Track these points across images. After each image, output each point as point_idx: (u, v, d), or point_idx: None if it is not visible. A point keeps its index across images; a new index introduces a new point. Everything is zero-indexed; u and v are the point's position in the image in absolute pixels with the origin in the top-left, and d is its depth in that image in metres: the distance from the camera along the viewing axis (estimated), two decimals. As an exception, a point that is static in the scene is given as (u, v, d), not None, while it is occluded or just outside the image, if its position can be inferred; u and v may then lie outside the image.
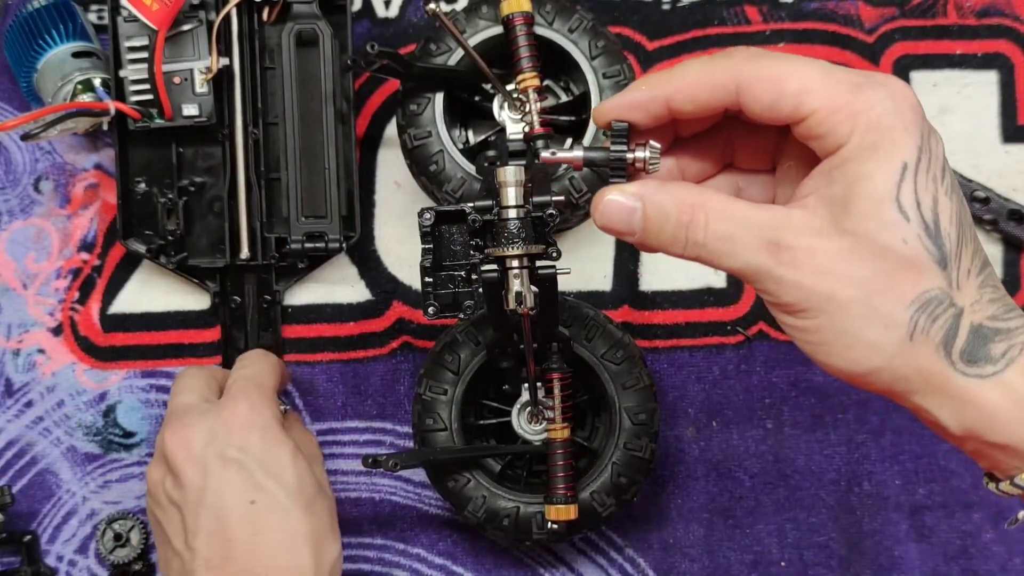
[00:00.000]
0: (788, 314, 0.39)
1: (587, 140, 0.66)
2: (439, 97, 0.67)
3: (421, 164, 0.67)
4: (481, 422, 0.68)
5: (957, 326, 0.38)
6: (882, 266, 0.37)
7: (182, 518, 0.56)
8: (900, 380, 0.39)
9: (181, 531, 0.56)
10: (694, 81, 0.39)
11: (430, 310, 0.54)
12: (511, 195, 0.50)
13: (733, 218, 0.38)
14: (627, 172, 0.41)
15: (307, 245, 0.69)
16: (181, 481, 0.57)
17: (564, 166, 0.65)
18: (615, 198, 0.40)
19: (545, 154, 0.42)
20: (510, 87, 0.67)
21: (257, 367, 0.64)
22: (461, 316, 0.54)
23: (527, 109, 0.66)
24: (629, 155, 0.40)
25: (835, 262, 0.37)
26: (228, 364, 0.72)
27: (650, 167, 0.40)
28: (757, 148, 0.43)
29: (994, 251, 0.72)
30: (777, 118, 0.38)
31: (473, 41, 0.66)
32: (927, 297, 0.37)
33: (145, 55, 0.67)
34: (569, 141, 0.70)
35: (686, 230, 0.39)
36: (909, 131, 0.37)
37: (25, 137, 0.65)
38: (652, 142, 0.40)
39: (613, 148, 0.41)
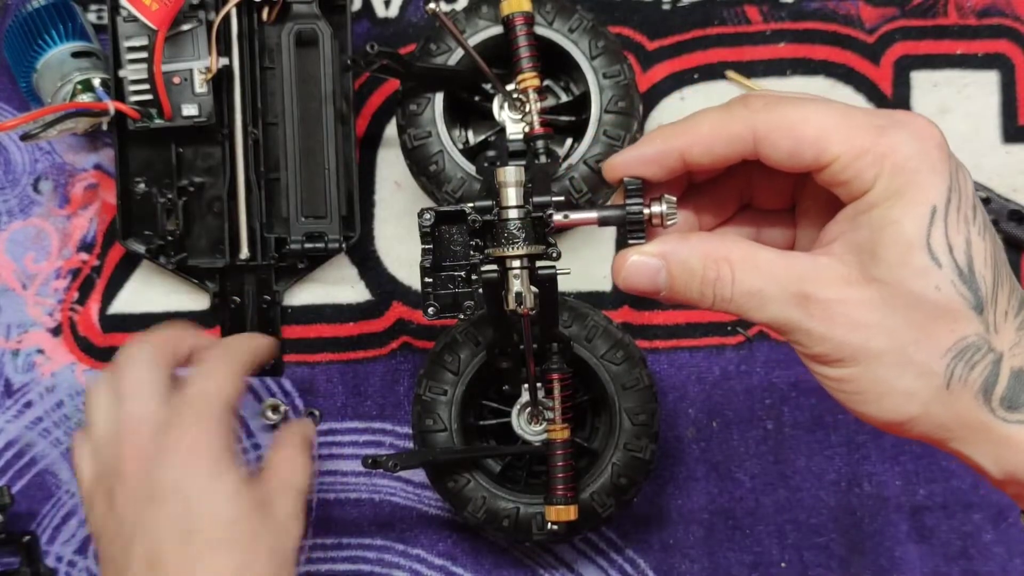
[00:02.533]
0: (820, 364, 0.38)
1: (587, 141, 0.66)
2: (439, 97, 0.67)
3: (421, 164, 0.67)
4: (481, 423, 0.68)
5: (997, 372, 0.37)
6: (915, 315, 0.36)
7: (120, 545, 0.51)
8: (938, 428, 0.38)
9: (115, 558, 0.52)
10: (709, 133, 0.38)
11: (430, 311, 0.53)
12: (511, 195, 0.50)
13: (759, 271, 0.37)
14: (645, 229, 0.40)
15: (307, 245, 0.69)
16: (115, 505, 0.52)
17: (564, 166, 0.65)
18: (638, 260, 0.39)
19: (558, 217, 0.42)
20: (510, 87, 0.67)
21: (221, 379, 0.55)
22: (461, 316, 0.54)
23: (527, 109, 0.66)
24: (646, 211, 0.39)
25: (866, 312, 0.36)
26: (228, 364, 0.72)
27: (668, 222, 0.40)
28: (776, 188, 0.42)
29: (995, 251, 0.72)
30: (798, 166, 0.37)
31: (473, 41, 0.66)
32: (964, 344, 0.36)
33: (145, 55, 0.67)
34: (587, 141, 0.69)
35: (713, 286, 0.38)
36: (937, 172, 0.36)
37: (24, 137, 0.64)
38: (667, 196, 0.40)
39: (629, 206, 0.40)
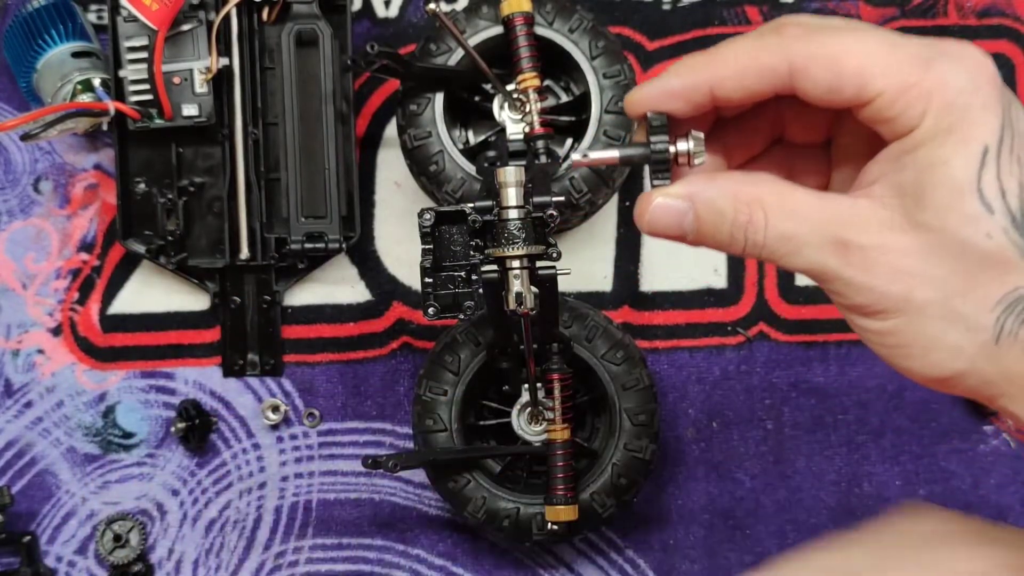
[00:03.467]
0: (860, 315, 0.35)
1: (587, 141, 0.66)
2: (439, 97, 0.67)
3: (421, 164, 0.67)
4: (481, 423, 0.68)
5: None
6: (963, 264, 0.33)
7: None
8: (985, 385, 0.35)
9: None
10: (740, 65, 0.35)
11: (430, 311, 0.53)
12: (511, 195, 0.50)
13: (795, 215, 0.34)
14: (670, 168, 0.37)
15: (307, 245, 0.69)
16: None
17: (564, 166, 0.65)
18: (664, 201, 0.36)
19: (576, 156, 0.38)
20: (510, 87, 0.67)
21: None
22: (461, 317, 0.54)
23: (527, 109, 0.66)
24: (671, 149, 0.36)
25: (910, 261, 0.33)
26: (227, 365, 0.72)
27: (695, 161, 0.36)
28: (810, 122, 0.39)
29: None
30: (839, 101, 0.34)
31: (473, 41, 0.66)
32: (1015, 296, 0.33)
33: (145, 55, 0.67)
34: (587, 141, 0.69)
35: (744, 231, 0.35)
36: (989, 108, 0.33)
37: (25, 137, 0.64)
38: (695, 132, 0.36)
39: (653, 144, 0.36)
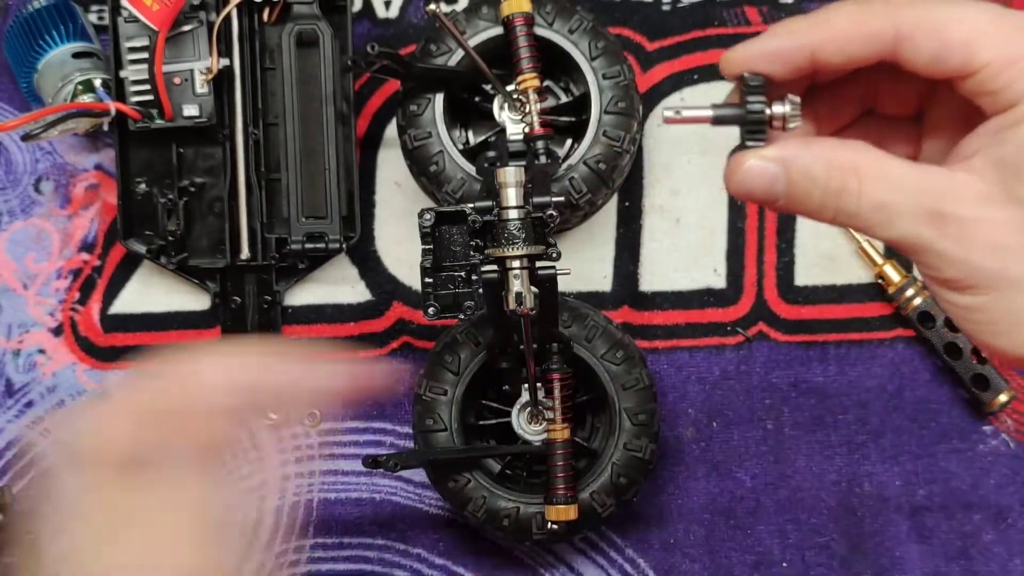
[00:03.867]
0: (951, 290, 0.35)
1: (587, 141, 0.66)
2: (439, 98, 0.67)
3: (421, 165, 0.67)
4: (481, 422, 0.68)
5: None
6: None
7: None
8: None
9: None
10: (845, 29, 0.34)
11: (430, 311, 0.54)
12: (511, 196, 0.50)
13: (889, 183, 0.34)
14: (765, 131, 0.36)
15: (307, 246, 0.69)
16: None
17: (564, 166, 0.65)
18: (756, 164, 0.35)
19: (669, 113, 0.36)
20: (510, 88, 0.67)
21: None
22: (461, 317, 0.54)
23: (527, 110, 0.66)
24: (767, 111, 0.35)
25: (1007, 235, 0.33)
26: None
27: (789, 125, 0.36)
28: (904, 94, 0.38)
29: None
30: (943, 71, 0.34)
31: (473, 42, 0.66)
32: None
33: (145, 55, 0.67)
34: (587, 141, 0.70)
35: (837, 198, 0.34)
36: None
37: (25, 137, 0.65)
38: (791, 96, 0.36)
39: (750, 104, 0.35)
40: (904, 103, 0.39)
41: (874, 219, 0.34)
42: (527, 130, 0.66)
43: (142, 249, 0.70)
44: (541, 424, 0.65)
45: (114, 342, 0.73)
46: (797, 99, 0.36)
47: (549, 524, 0.62)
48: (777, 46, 0.35)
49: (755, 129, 0.36)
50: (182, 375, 0.39)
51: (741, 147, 0.36)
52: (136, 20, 0.66)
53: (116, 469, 0.37)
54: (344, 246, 0.69)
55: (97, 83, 0.67)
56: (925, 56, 0.33)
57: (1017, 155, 0.33)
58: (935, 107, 0.38)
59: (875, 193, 0.34)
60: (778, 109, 0.35)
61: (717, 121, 0.36)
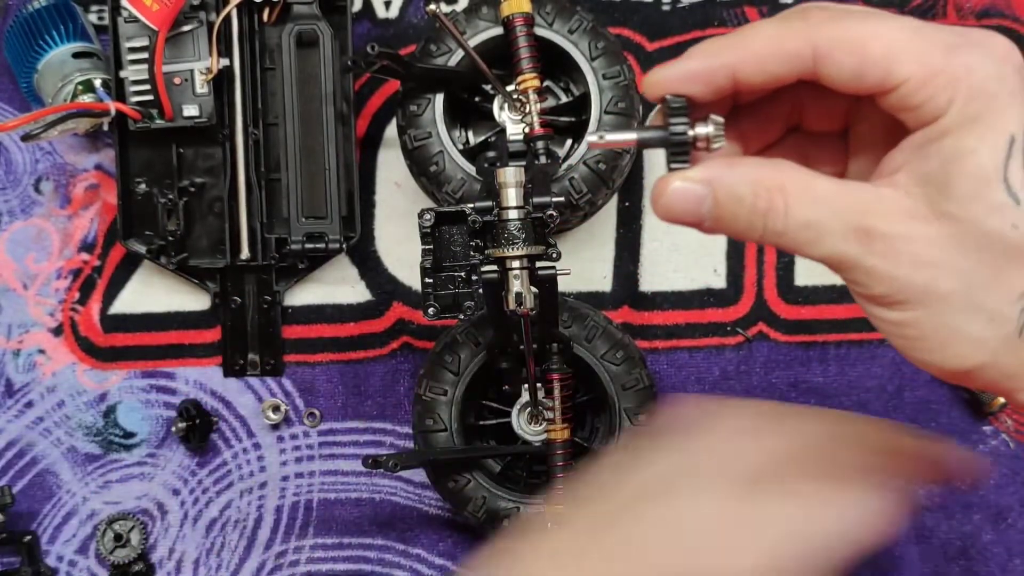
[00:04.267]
0: (880, 306, 0.35)
1: (587, 142, 0.66)
2: (439, 98, 0.67)
3: (421, 165, 0.67)
4: (481, 423, 0.68)
5: None
6: (987, 255, 0.33)
7: None
8: (1006, 378, 0.35)
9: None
10: (764, 48, 0.34)
11: (430, 311, 0.54)
12: (511, 196, 0.50)
13: (816, 202, 0.34)
14: (689, 152, 0.36)
15: (307, 246, 0.69)
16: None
17: (564, 167, 0.65)
18: (682, 186, 0.34)
19: (592, 138, 0.37)
20: (510, 88, 0.67)
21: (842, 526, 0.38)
22: (461, 317, 0.54)
23: (527, 110, 0.66)
24: (690, 132, 0.35)
25: (933, 250, 0.33)
26: (227, 365, 0.72)
27: (714, 145, 0.35)
28: (828, 110, 0.38)
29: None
30: (863, 88, 0.33)
31: (473, 42, 0.66)
32: None
33: (145, 56, 0.67)
34: (594, 130, 0.70)
35: (764, 217, 0.34)
36: (1016, 97, 0.32)
37: (25, 138, 0.65)
38: (714, 116, 0.35)
39: (672, 126, 0.35)
40: (829, 119, 0.39)
41: (801, 237, 0.34)
42: (527, 130, 0.66)
43: (142, 249, 0.70)
44: (541, 424, 0.65)
45: (114, 342, 0.73)
46: (720, 119, 0.35)
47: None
48: (697, 67, 0.35)
49: (679, 151, 0.35)
50: None
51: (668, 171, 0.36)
52: (136, 20, 0.66)
53: None
54: (344, 246, 0.69)
55: (97, 83, 0.67)
56: (845, 73, 0.33)
57: (941, 170, 0.33)
58: (860, 122, 0.38)
59: (801, 211, 0.34)
60: (701, 130, 0.35)
61: (641, 144, 0.36)
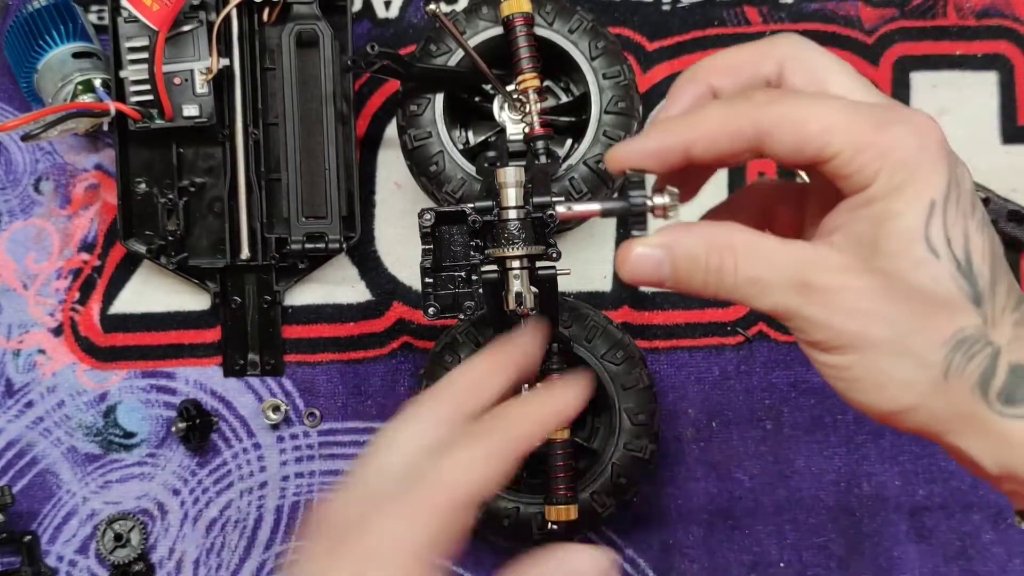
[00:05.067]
0: (820, 351, 0.38)
1: (587, 141, 0.66)
2: (439, 98, 0.67)
3: (421, 165, 0.67)
4: (481, 422, 0.68)
5: (995, 366, 0.37)
6: (914, 305, 0.36)
7: None
8: (935, 420, 0.38)
9: None
10: (712, 129, 0.38)
11: (430, 311, 0.54)
12: (511, 196, 0.50)
13: (761, 259, 0.38)
14: (646, 221, 0.40)
15: (307, 246, 0.69)
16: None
17: (564, 166, 0.65)
18: (643, 251, 0.39)
19: (561, 209, 0.41)
20: (510, 88, 0.67)
21: (472, 470, 0.40)
22: (461, 317, 0.54)
23: (527, 110, 0.66)
24: (648, 203, 0.40)
25: (865, 301, 0.36)
26: (227, 365, 0.72)
27: (670, 213, 0.40)
28: (784, 167, 0.43)
29: (994, 252, 0.72)
30: (802, 160, 0.37)
31: (473, 42, 0.66)
32: (962, 336, 0.36)
33: (145, 56, 0.67)
34: (584, 146, 0.70)
35: (717, 274, 0.38)
36: (936, 168, 0.36)
37: (25, 138, 0.65)
38: (670, 188, 0.40)
39: (632, 198, 0.40)
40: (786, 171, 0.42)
41: (749, 292, 0.38)
42: (527, 130, 0.66)
43: (142, 249, 0.70)
44: (541, 424, 0.65)
45: (114, 342, 0.73)
46: (675, 191, 0.40)
47: (549, 524, 0.62)
48: (654, 146, 0.39)
49: (638, 220, 0.40)
50: None
51: (628, 237, 0.40)
52: (136, 20, 0.66)
53: None
54: (344, 246, 0.69)
55: (97, 83, 0.68)
56: (787, 148, 0.37)
57: (871, 231, 0.36)
58: (813, 175, 0.41)
59: (749, 268, 0.38)
60: (659, 200, 0.40)
61: (605, 214, 0.41)
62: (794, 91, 0.38)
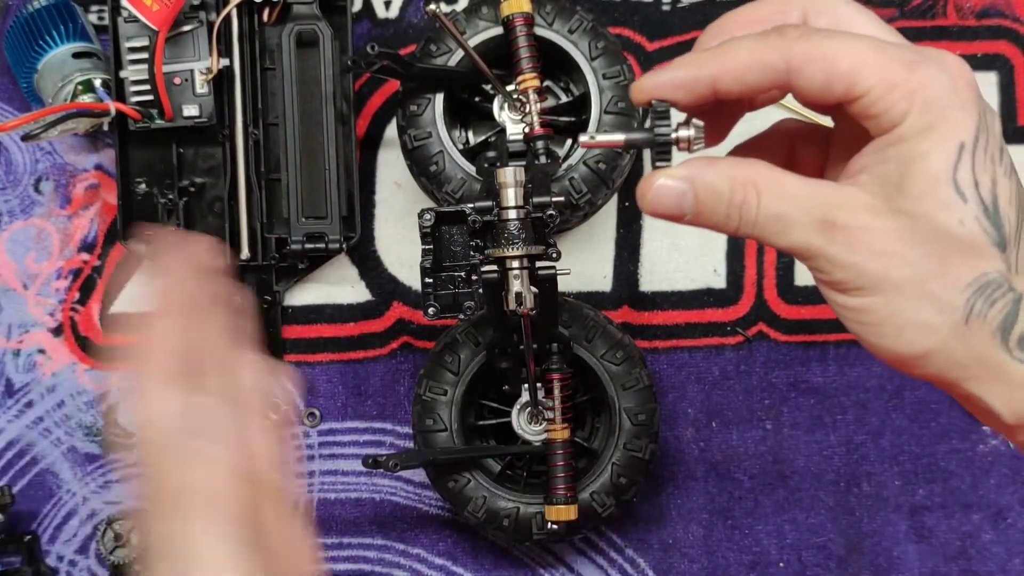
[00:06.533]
0: (840, 292, 0.38)
1: (579, 142, 0.66)
2: (439, 98, 0.67)
3: (421, 165, 0.67)
4: (481, 423, 0.68)
5: (1016, 312, 0.36)
6: (937, 247, 0.36)
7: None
8: (953, 365, 0.37)
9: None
10: (743, 61, 0.37)
11: (430, 311, 0.54)
12: (511, 196, 0.50)
13: (785, 196, 0.37)
14: (671, 153, 0.39)
15: (307, 246, 0.69)
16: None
17: (564, 166, 0.66)
18: (665, 183, 0.38)
19: (584, 138, 0.40)
20: (510, 88, 0.67)
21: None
22: (461, 317, 0.54)
23: (527, 110, 0.66)
24: (673, 135, 0.39)
25: (889, 242, 0.36)
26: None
27: (694, 147, 0.39)
28: (812, 108, 0.41)
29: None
30: (830, 98, 0.37)
31: (473, 42, 0.66)
32: (984, 280, 0.36)
33: (145, 56, 0.67)
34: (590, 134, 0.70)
35: (739, 210, 0.38)
36: (966, 109, 0.36)
37: (26, 138, 0.65)
38: (695, 121, 0.39)
39: (657, 128, 0.39)
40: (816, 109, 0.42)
41: (772, 228, 0.37)
42: (527, 130, 0.66)
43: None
44: (541, 424, 0.65)
45: (114, 342, 0.73)
46: (700, 124, 0.39)
47: (549, 524, 0.62)
48: (683, 76, 0.38)
49: (663, 151, 0.39)
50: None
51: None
52: (136, 20, 0.66)
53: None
54: (344, 246, 0.69)
55: (97, 83, 0.67)
56: (815, 85, 0.37)
57: (898, 171, 0.36)
58: (838, 120, 0.41)
59: (772, 205, 0.37)
60: (683, 133, 0.39)
61: (629, 145, 0.40)
62: (825, 28, 0.38)
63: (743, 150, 0.43)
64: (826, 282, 0.38)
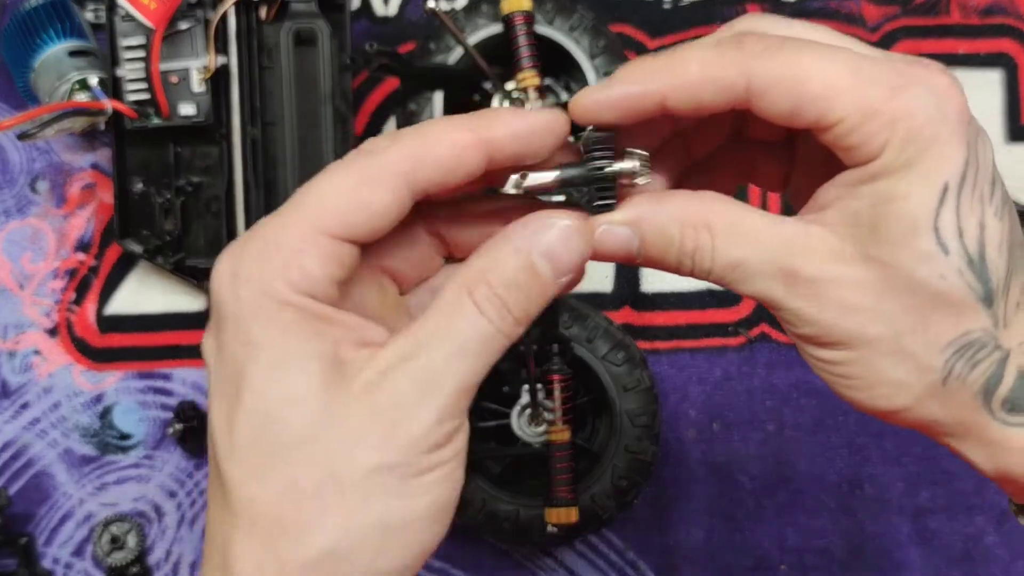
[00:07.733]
0: (809, 344, 0.35)
1: (507, 188, 0.65)
2: (438, 96, 0.66)
3: (420, 164, 0.66)
4: (480, 424, 0.68)
5: (1001, 372, 0.33)
6: (915, 302, 0.32)
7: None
8: (931, 422, 0.35)
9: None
10: (696, 77, 0.32)
11: (429, 311, 0.53)
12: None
13: (742, 239, 0.33)
14: (614, 189, 0.34)
15: (305, 245, 0.68)
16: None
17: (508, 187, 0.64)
18: (607, 228, 0.34)
19: (509, 188, 0.34)
20: (510, 86, 0.67)
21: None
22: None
23: (527, 108, 0.66)
24: (611, 169, 0.34)
25: (859, 295, 0.32)
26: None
27: (638, 180, 0.34)
28: (772, 126, 0.35)
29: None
30: (797, 125, 0.32)
31: (473, 40, 0.66)
32: (967, 340, 0.33)
33: (142, 54, 0.67)
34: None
35: (691, 257, 0.34)
36: (954, 142, 0.32)
37: (22, 136, 0.64)
38: (639, 151, 0.34)
39: (593, 164, 0.34)
40: (773, 133, 0.37)
41: (729, 277, 0.34)
42: (527, 129, 0.66)
43: (139, 249, 0.70)
44: (541, 426, 0.64)
45: (110, 343, 0.72)
46: (644, 153, 0.34)
47: (549, 527, 0.61)
48: (623, 94, 0.33)
49: (602, 188, 0.34)
50: None
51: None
52: (133, 18, 0.66)
53: None
54: (342, 246, 0.69)
55: (93, 82, 0.67)
56: (781, 111, 0.32)
57: (872, 212, 0.32)
58: (802, 142, 0.37)
59: (728, 251, 0.33)
60: (622, 166, 0.34)
61: (564, 183, 0.34)
62: (793, 39, 0.32)
63: (701, 168, 0.38)
64: (795, 333, 0.35)
